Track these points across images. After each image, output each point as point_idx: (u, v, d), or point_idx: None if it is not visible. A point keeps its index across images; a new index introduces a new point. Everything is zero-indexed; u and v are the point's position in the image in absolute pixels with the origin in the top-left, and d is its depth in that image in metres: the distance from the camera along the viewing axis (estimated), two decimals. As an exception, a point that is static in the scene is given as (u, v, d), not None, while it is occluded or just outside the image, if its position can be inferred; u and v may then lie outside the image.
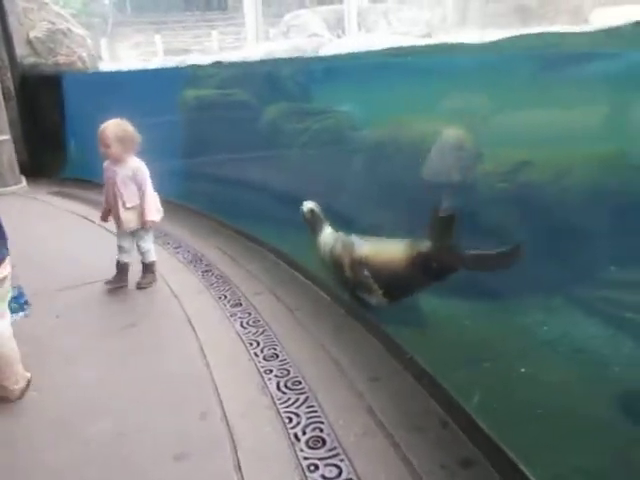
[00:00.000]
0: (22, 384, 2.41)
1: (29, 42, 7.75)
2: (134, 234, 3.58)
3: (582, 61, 3.58)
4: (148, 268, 3.68)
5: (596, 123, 3.59)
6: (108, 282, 3.60)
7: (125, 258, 3.63)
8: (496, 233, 3.48)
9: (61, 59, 7.85)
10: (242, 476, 1.90)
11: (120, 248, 3.60)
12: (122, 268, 3.63)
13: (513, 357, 2.94)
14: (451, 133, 3.72)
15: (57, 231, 4.55)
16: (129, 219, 3.50)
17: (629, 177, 3.28)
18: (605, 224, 3.23)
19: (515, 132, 3.76)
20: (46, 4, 8.17)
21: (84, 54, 8.21)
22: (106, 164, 3.52)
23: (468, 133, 3.77)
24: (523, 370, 2.75)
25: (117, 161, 3.44)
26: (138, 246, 3.63)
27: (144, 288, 3.60)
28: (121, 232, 3.58)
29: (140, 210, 3.51)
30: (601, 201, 3.28)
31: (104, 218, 3.66)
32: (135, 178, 3.45)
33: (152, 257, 3.68)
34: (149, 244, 3.66)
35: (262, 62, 6.34)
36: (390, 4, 11.95)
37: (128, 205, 3.46)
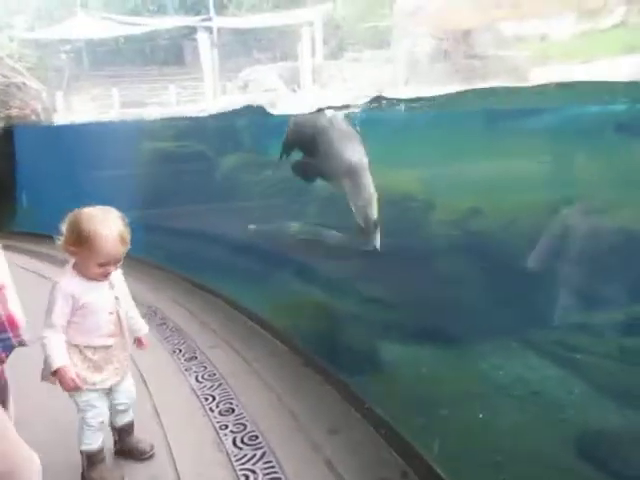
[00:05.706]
0: None
1: (-19, 95, 7.67)
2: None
3: (526, 115, 3.80)
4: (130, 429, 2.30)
5: (542, 172, 3.77)
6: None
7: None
8: (454, 280, 3.57)
9: (14, 112, 7.77)
10: (195, 541, 1.81)
11: (100, 415, 2.10)
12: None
13: (470, 403, 2.95)
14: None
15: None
16: (127, 355, 2.18)
17: (576, 222, 3.43)
18: (554, 269, 3.36)
19: (466, 182, 3.92)
20: (1, 58, 8.16)
21: (38, 107, 8.16)
22: (78, 287, 2.03)
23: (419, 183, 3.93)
24: (481, 416, 2.77)
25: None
26: (125, 396, 2.19)
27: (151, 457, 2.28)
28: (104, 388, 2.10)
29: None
30: (547, 246, 3.42)
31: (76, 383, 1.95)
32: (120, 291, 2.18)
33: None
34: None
35: (218, 115, 6.45)
36: (344, 62, 12.51)
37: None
